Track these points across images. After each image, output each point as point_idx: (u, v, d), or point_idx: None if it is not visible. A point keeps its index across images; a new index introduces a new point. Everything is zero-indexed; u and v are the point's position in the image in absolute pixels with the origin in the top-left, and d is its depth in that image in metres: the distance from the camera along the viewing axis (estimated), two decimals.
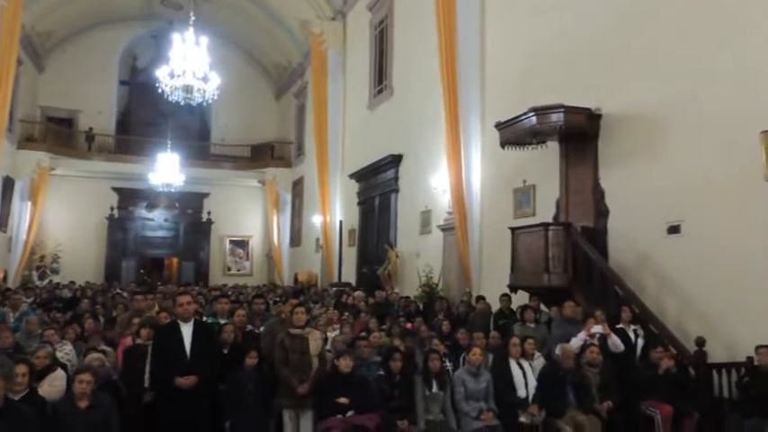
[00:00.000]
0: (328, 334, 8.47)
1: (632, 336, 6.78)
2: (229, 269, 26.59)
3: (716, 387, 6.22)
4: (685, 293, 7.13)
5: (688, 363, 6.31)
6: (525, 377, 5.76)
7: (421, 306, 11.34)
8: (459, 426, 5.42)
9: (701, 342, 6.22)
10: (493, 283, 10.21)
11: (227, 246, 26.71)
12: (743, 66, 6.56)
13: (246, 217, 26.74)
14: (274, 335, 5.80)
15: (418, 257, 13.60)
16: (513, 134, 8.89)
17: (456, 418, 5.48)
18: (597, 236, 8.42)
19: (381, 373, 5.53)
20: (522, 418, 5.44)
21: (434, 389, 5.43)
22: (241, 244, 26.91)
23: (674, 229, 7.31)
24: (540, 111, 8.28)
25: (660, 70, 7.63)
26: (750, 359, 6.05)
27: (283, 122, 26.98)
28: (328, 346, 7.70)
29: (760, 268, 6.21)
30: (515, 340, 5.94)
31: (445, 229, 12.26)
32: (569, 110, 8.21)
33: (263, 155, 26.21)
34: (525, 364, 5.89)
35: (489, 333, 7.53)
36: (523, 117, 8.49)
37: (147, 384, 5.25)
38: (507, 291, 9.00)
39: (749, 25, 6.54)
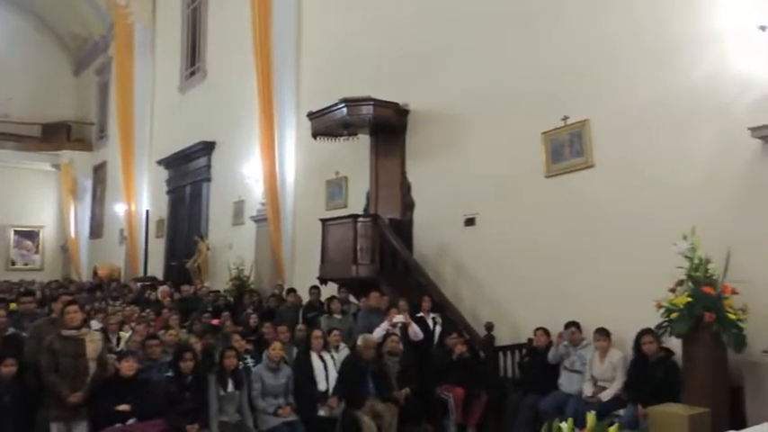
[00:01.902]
0: (122, 333, 7.75)
1: (431, 324, 7.07)
2: (14, 263, 23.26)
3: (502, 368, 6.71)
4: (479, 281, 7.62)
5: (479, 347, 6.71)
6: (326, 370, 5.68)
7: (231, 300, 10.86)
8: (256, 424, 5.16)
9: (489, 327, 6.66)
10: (306, 275, 10.07)
11: (12, 237, 23.34)
12: (530, 69, 7.12)
13: (36, 205, 23.54)
14: (41, 338, 5.03)
15: (230, 249, 13.03)
16: (325, 125, 8.82)
17: (253, 416, 5.21)
18: (404, 227, 8.68)
19: (170, 374, 5.06)
20: (321, 412, 5.35)
21: (230, 388, 5.10)
22: (30, 235, 23.68)
23: (470, 222, 7.77)
24: (351, 102, 8.31)
25: (460, 69, 8.04)
26: (530, 341, 6.60)
27: (83, 101, 24.23)
28: (122, 347, 7.02)
29: (539, 258, 6.81)
30: (317, 333, 5.83)
31: (258, 220, 11.87)
32: (378, 103, 8.35)
33: (57, 135, 23.26)
34: (327, 356, 5.82)
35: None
36: (335, 108, 8.46)
37: None
38: (318, 283, 8.92)
39: (538, 32, 7.11)
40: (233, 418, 5.07)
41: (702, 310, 4.62)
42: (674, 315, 4.77)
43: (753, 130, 4.88)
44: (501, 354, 6.73)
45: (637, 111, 5.99)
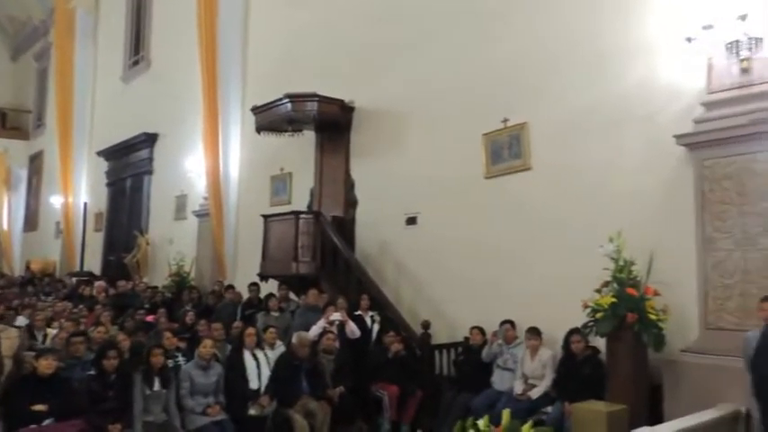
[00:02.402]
0: (49, 330, 7.45)
1: (369, 322, 7.06)
2: None
3: (438, 366, 6.77)
4: (419, 280, 7.66)
5: (415, 345, 6.75)
6: (259, 368, 5.59)
7: (170, 297, 10.58)
8: (183, 424, 5.03)
9: (426, 325, 6.70)
10: (249, 272, 9.87)
11: None
12: (474, 71, 7.19)
13: None
14: None
15: (171, 245, 12.72)
16: (269, 120, 8.70)
17: (181, 416, 5.07)
18: (346, 225, 8.65)
19: (93, 372, 4.88)
20: (252, 411, 5.27)
21: (156, 386, 4.95)
22: None
23: (411, 221, 7.81)
24: (295, 98, 8.23)
25: (405, 68, 8.06)
26: (466, 339, 6.68)
27: (21, 87, 23.18)
28: (47, 344, 6.74)
29: (478, 258, 6.90)
30: (249, 330, 5.73)
31: (201, 215, 11.62)
32: (323, 99, 8.29)
33: None
34: (261, 354, 5.73)
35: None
36: (279, 103, 8.36)
37: None
38: (258, 280, 8.80)
39: (483, 35, 7.19)
40: (159, 417, 4.93)
41: (625, 310, 4.77)
42: (599, 315, 4.90)
43: (677, 137, 5.06)
44: (437, 352, 6.78)
45: (572, 116, 6.14)
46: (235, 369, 5.44)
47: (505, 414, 2.89)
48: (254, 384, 5.47)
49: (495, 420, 5.73)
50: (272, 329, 6.44)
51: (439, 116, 7.57)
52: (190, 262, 11.53)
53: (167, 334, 6.00)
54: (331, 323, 6.50)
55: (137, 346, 5.89)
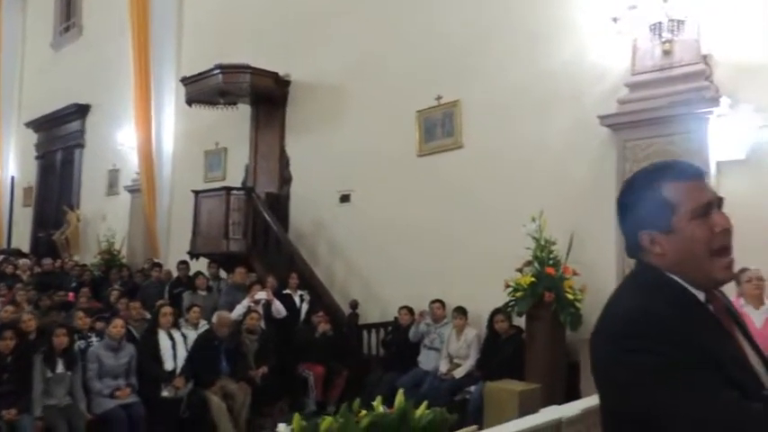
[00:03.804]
0: None
1: (298, 301, 6.92)
2: None
3: (366, 346, 6.70)
4: (351, 259, 7.55)
5: (343, 324, 6.65)
6: (175, 348, 5.38)
7: (99, 275, 10.17)
8: (89, 408, 4.79)
9: (354, 305, 6.62)
10: (183, 249, 9.55)
11: None
12: (410, 47, 7.03)
13: None
14: None
15: (104, 221, 12.20)
16: (200, 91, 8.36)
17: (88, 398, 4.83)
18: (281, 202, 8.45)
19: None
20: (165, 392, 5.07)
21: (60, 369, 4.69)
22: None
23: (345, 198, 7.66)
24: (227, 69, 7.92)
25: (342, 42, 7.84)
26: (396, 319, 6.62)
27: None
28: None
29: (408, 236, 6.83)
30: (165, 309, 5.50)
31: (133, 190, 11.18)
32: (256, 72, 8.01)
33: None
34: (177, 334, 5.51)
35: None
36: (209, 74, 8.04)
37: None
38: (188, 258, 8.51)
39: (419, 10, 7.01)
40: (63, 401, 4.68)
41: (544, 289, 4.77)
42: (518, 294, 4.90)
43: (601, 118, 5.06)
44: (366, 332, 6.71)
45: (503, 95, 6.08)
46: (148, 349, 5.21)
47: (399, 395, 2.80)
48: (168, 365, 5.26)
49: (419, 401, 5.76)
50: (195, 308, 6.22)
51: (375, 92, 7.41)
52: (121, 239, 11.10)
53: (79, 314, 5.71)
54: (256, 302, 6.33)
55: (46, 326, 5.58)
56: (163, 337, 5.34)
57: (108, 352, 5.00)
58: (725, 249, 1.21)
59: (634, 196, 1.27)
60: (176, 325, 5.58)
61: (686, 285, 1.21)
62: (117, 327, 5.05)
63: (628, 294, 1.25)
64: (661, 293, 1.19)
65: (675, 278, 1.22)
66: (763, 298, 4.04)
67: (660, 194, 1.22)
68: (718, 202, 1.23)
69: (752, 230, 4.45)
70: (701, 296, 1.22)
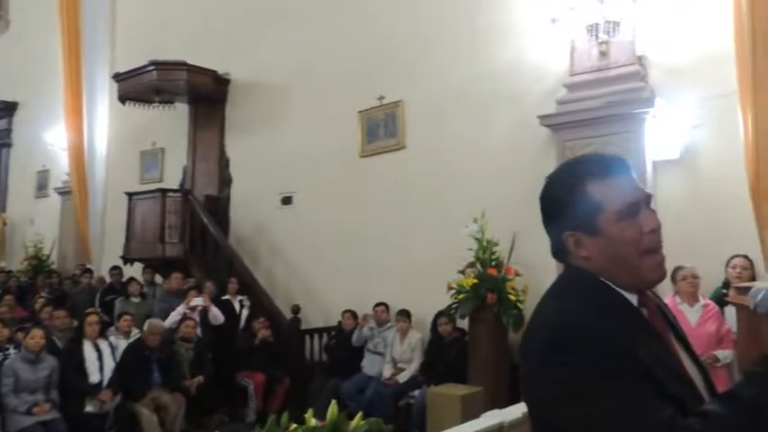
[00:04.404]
0: None
1: (238, 307, 6.68)
2: None
3: (309, 351, 6.51)
4: (294, 263, 7.34)
5: (284, 330, 6.45)
6: (101, 360, 5.05)
7: (26, 282, 9.61)
8: (4, 425, 4.44)
9: (296, 309, 6.42)
10: (117, 254, 9.13)
11: None
12: (352, 46, 6.89)
13: None
14: None
15: (32, 225, 11.56)
16: (134, 88, 8.00)
17: (2, 416, 4.47)
18: (220, 205, 8.17)
19: None
20: (89, 407, 4.75)
21: None
22: None
23: (287, 200, 7.46)
24: (162, 66, 7.59)
25: (283, 41, 7.63)
26: (339, 323, 6.47)
27: None
28: None
29: (352, 238, 6.69)
30: (90, 318, 5.17)
31: (63, 192, 10.62)
32: (193, 69, 7.72)
33: None
34: (104, 344, 5.19)
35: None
36: (143, 70, 7.70)
37: None
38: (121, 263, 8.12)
39: (362, 10, 6.89)
40: None
41: (486, 291, 4.72)
42: (461, 296, 4.84)
43: (541, 118, 5.07)
44: (309, 337, 6.53)
45: (445, 95, 6.03)
46: (71, 361, 4.88)
47: (332, 406, 2.66)
48: (94, 378, 4.93)
49: (363, 407, 5.62)
50: (126, 317, 5.91)
51: (317, 92, 7.24)
52: (51, 243, 10.52)
53: None
54: (192, 309, 6.06)
55: None
56: (88, 348, 5.01)
57: (25, 365, 4.65)
58: (655, 250, 1.11)
59: (557, 195, 1.17)
60: (103, 335, 5.24)
61: (616, 288, 1.12)
62: (35, 338, 4.70)
63: (552, 301, 1.15)
64: (587, 299, 1.09)
65: (605, 281, 1.12)
66: (698, 296, 4.10)
67: (585, 193, 1.11)
68: (645, 199, 1.14)
69: (686, 228, 4.55)
70: (632, 300, 1.12)
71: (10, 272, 10.07)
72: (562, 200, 1.15)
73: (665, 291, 4.55)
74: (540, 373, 1.04)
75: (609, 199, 1.10)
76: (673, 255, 4.17)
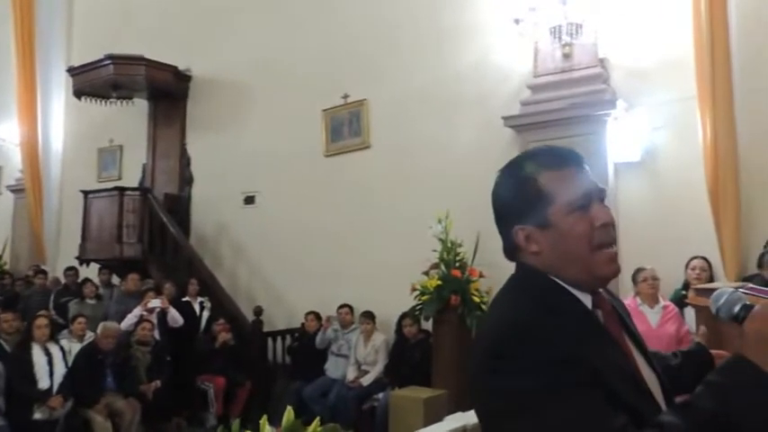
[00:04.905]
0: None
1: (198, 308, 6.51)
2: None
3: (272, 354, 6.40)
4: (256, 264, 7.21)
5: (246, 333, 6.31)
6: (51, 364, 4.84)
7: None
8: None
9: (258, 311, 6.29)
10: (74, 254, 8.85)
11: None
12: (317, 44, 6.79)
13: None
14: None
15: None
16: (90, 83, 7.73)
17: None
18: (181, 204, 7.96)
19: None
20: (38, 414, 4.55)
21: None
22: None
23: (249, 200, 7.32)
24: (119, 60, 7.36)
25: (246, 37, 7.46)
26: (303, 325, 6.36)
27: None
28: None
29: (315, 239, 6.59)
30: (39, 321, 4.96)
31: (16, 190, 10.22)
32: (152, 64, 7.49)
33: None
34: (55, 348, 4.97)
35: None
36: (99, 64, 7.45)
37: None
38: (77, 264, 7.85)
39: (326, 7, 6.78)
40: None
41: (450, 292, 4.69)
42: (425, 297, 4.80)
43: (505, 119, 5.06)
44: (271, 339, 6.41)
45: (409, 95, 5.99)
46: (18, 366, 4.66)
47: (288, 413, 2.57)
48: (43, 384, 4.72)
49: (328, 411, 5.53)
50: (80, 319, 5.70)
51: (280, 89, 7.11)
52: (2, 243, 10.11)
53: None
54: (150, 311, 5.87)
55: None
56: (37, 353, 4.79)
57: None
58: (607, 245, 1.06)
59: (508, 188, 1.12)
60: (54, 338, 5.03)
61: (569, 288, 1.06)
62: None
63: (500, 303, 1.10)
64: (535, 300, 1.03)
65: (556, 280, 1.06)
66: (658, 297, 4.14)
67: (535, 184, 1.07)
68: (598, 193, 1.09)
69: (646, 230, 4.61)
70: (586, 301, 1.07)
71: None
72: (512, 193, 1.10)
73: (626, 292, 4.60)
74: (485, 383, 0.97)
75: (559, 191, 1.06)
76: (633, 256, 4.22)
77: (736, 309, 1.02)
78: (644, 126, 4.57)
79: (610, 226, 1.07)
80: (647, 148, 4.61)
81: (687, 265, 4.33)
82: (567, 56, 4.75)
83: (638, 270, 4.30)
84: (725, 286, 1.12)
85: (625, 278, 4.61)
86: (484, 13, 5.47)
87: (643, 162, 4.63)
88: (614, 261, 1.07)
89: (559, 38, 4.67)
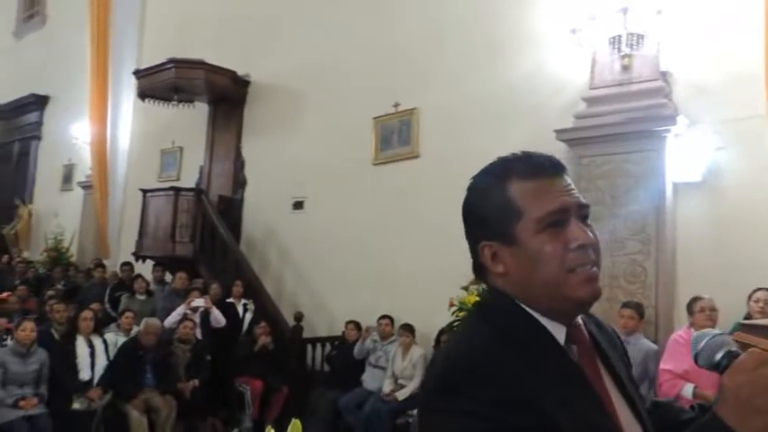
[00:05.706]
0: None
1: (241, 310, 6.58)
2: None
3: (311, 361, 6.37)
4: (302, 269, 7.22)
5: (286, 337, 6.32)
6: (93, 356, 4.99)
7: (43, 273, 9.72)
8: None
9: (299, 317, 6.29)
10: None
11: None
12: (370, 51, 6.75)
13: None
14: None
15: (56, 217, 11.71)
16: (153, 85, 8.02)
17: None
18: (233, 206, 8.10)
19: None
20: (76, 405, 4.68)
21: None
22: None
23: (298, 205, 7.35)
24: (180, 64, 7.59)
25: (303, 44, 7.53)
26: (343, 334, 6.30)
27: None
28: None
29: (361, 248, 6.53)
30: (85, 314, 5.12)
31: (86, 186, 10.74)
32: (212, 69, 7.68)
33: None
34: (98, 341, 5.12)
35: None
36: (162, 68, 7.69)
37: None
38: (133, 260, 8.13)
39: (381, 15, 6.74)
40: None
41: None
42: (462, 314, 4.63)
43: (557, 132, 4.84)
44: (311, 346, 6.39)
45: (460, 105, 5.85)
46: (62, 357, 4.82)
47: (293, 425, 2.48)
48: (84, 375, 4.87)
49: (362, 423, 5.43)
50: (128, 314, 5.88)
51: (332, 97, 7.12)
52: (71, 236, 10.63)
53: None
54: (193, 310, 5.97)
55: None
56: (81, 344, 4.95)
57: (15, 358, 4.60)
58: (582, 266, 0.91)
59: (475, 196, 0.99)
60: (98, 331, 5.19)
61: (538, 317, 0.92)
62: (26, 330, 4.65)
63: (461, 330, 0.97)
64: (497, 330, 0.89)
65: (524, 307, 0.92)
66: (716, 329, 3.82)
67: (503, 195, 0.94)
68: (579, 209, 0.94)
69: (706, 256, 4.28)
70: (558, 333, 0.92)
71: (30, 262, 10.22)
72: (479, 204, 0.98)
73: (681, 322, 4.29)
74: (429, 420, 0.86)
75: (529, 205, 0.92)
76: (690, 284, 3.90)
77: (719, 356, 0.85)
78: (707, 144, 4.25)
79: (589, 248, 0.92)
80: (709, 168, 4.28)
81: (750, 297, 3.97)
82: (626, 68, 4.49)
83: (695, 299, 4.00)
84: (708, 330, 0.94)
85: (680, 308, 4.32)
86: (540, 22, 5.28)
87: (704, 182, 4.31)
88: (592, 281, 0.91)
89: (619, 49, 4.43)
